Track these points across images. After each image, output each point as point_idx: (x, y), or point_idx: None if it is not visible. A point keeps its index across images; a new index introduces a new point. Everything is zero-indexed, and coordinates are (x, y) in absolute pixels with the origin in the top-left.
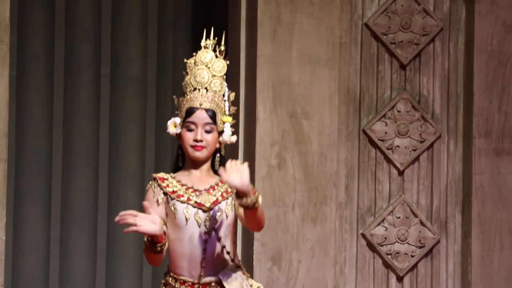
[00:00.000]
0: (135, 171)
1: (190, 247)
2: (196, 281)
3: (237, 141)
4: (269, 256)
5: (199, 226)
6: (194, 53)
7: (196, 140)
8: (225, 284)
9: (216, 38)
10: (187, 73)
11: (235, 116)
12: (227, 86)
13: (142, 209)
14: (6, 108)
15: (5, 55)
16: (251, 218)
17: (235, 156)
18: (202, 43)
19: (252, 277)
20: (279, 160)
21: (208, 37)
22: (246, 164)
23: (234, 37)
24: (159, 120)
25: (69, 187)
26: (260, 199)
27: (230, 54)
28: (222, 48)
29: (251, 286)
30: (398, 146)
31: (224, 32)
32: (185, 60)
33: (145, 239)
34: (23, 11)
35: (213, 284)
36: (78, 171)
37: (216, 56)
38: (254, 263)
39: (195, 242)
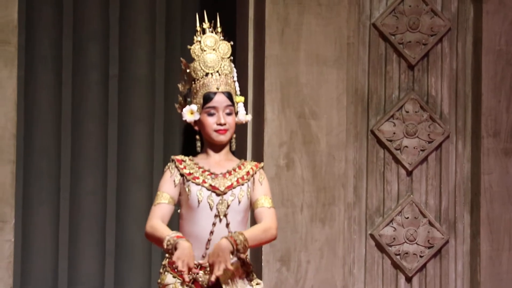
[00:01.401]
0: (144, 172)
1: (198, 228)
2: (196, 262)
3: (246, 142)
4: (278, 257)
5: (211, 209)
6: (196, 39)
7: (220, 124)
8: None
9: (212, 21)
10: (192, 60)
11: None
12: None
13: (148, 210)
14: (14, 109)
15: (13, 56)
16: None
17: (244, 156)
18: (198, 28)
19: (261, 278)
20: (287, 161)
21: (202, 21)
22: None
23: (242, 38)
24: (168, 121)
25: (77, 188)
26: (241, 242)
27: (238, 55)
28: (219, 29)
29: (250, 281)
30: (406, 146)
31: (217, 14)
32: (188, 46)
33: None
34: (31, 12)
35: (208, 269)
36: (86, 172)
37: (219, 39)
38: (263, 264)
39: (204, 224)
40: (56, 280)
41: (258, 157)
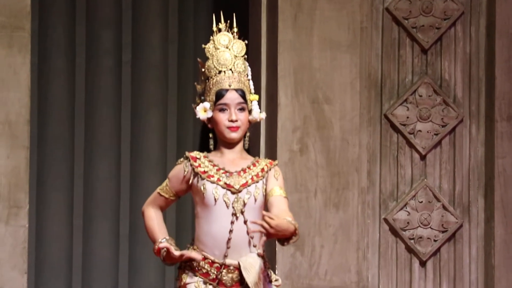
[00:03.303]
0: (157, 157)
1: (216, 227)
2: (216, 260)
3: (259, 127)
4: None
5: (228, 207)
6: (211, 38)
7: (231, 121)
8: (243, 270)
9: (228, 21)
10: (207, 59)
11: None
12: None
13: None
14: (28, 95)
15: (26, 43)
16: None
17: (257, 141)
18: (214, 28)
19: (275, 262)
20: (301, 146)
21: (219, 21)
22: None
23: (255, 23)
24: (181, 106)
25: (91, 174)
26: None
27: (251, 40)
28: (235, 29)
29: (269, 276)
30: (420, 130)
31: (234, 14)
32: (203, 45)
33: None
34: None
35: (231, 267)
36: (100, 158)
37: (234, 38)
38: (277, 249)
39: (222, 222)
40: (71, 265)
41: (271, 142)
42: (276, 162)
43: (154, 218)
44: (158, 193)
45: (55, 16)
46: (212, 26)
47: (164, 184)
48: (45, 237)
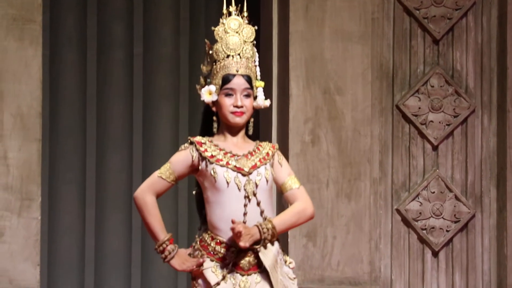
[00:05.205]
0: (169, 149)
1: (230, 210)
2: (232, 243)
3: (271, 118)
4: (304, 233)
5: (240, 190)
6: (221, 20)
7: (236, 106)
8: (260, 254)
9: (239, 5)
10: (215, 42)
11: (268, 93)
12: (259, 62)
13: (174, 190)
14: (39, 88)
15: (38, 35)
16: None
17: (269, 132)
18: (224, 11)
19: (287, 253)
20: (312, 137)
21: (230, 4)
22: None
23: (266, 14)
24: (192, 98)
25: (103, 166)
26: (268, 230)
27: (263, 31)
28: (245, 14)
29: (284, 260)
30: (432, 121)
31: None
32: (212, 28)
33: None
34: None
35: (248, 251)
36: (112, 150)
37: (244, 22)
38: (289, 240)
39: (235, 206)
40: (83, 257)
41: (283, 133)
42: (277, 145)
43: (150, 204)
44: (160, 177)
45: (66, 8)
46: (223, 18)
47: (165, 168)
48: (58, 229)
